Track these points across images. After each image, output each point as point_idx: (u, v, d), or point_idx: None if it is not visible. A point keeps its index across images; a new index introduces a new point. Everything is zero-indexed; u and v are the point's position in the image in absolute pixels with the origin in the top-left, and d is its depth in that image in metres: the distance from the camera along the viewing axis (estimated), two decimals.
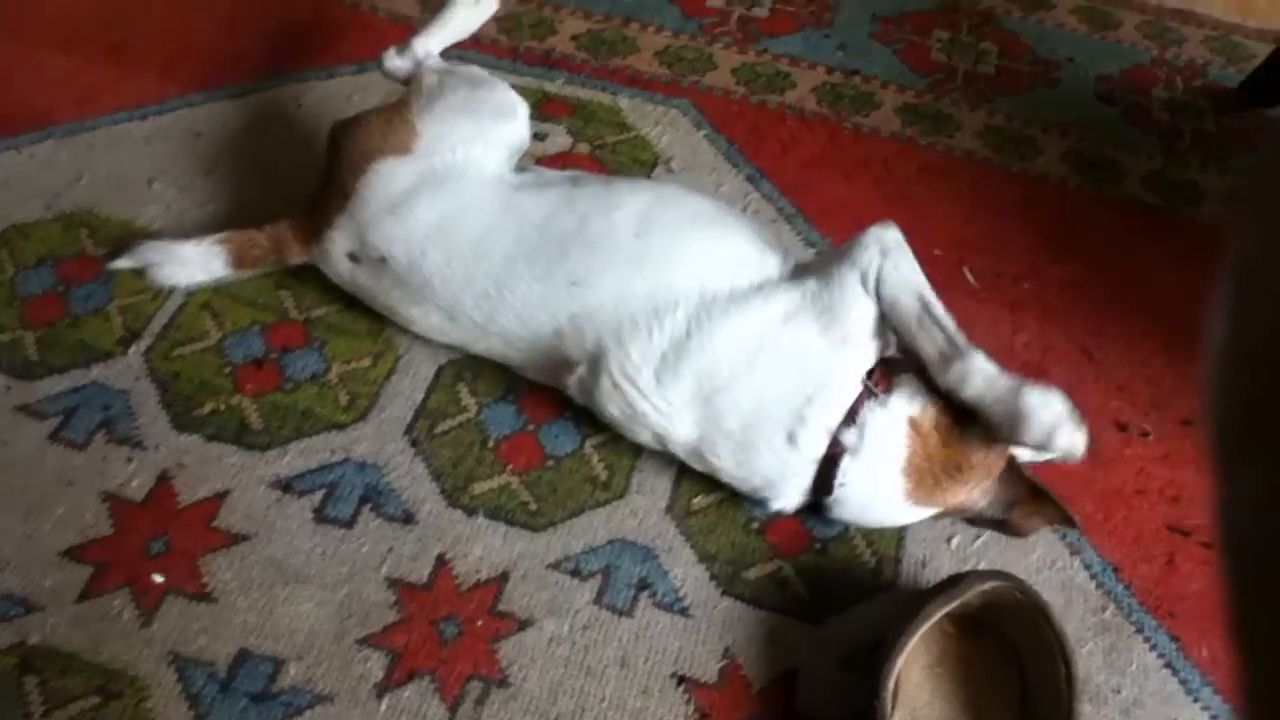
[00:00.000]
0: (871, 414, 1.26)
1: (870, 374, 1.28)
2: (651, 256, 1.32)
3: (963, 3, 2.20)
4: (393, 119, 1.46)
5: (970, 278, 1.68)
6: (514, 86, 1.79)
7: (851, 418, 1.25)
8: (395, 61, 1.61)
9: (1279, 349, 0.34)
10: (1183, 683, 1.28)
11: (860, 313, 1.30)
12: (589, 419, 1.39)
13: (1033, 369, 1.56)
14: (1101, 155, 1.91)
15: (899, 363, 1.33)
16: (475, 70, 1.59)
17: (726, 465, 1.28)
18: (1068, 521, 1.29)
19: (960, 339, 1.26)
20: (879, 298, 1.29)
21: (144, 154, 1.67)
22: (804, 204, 1.75)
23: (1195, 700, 1.27)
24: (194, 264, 1.47)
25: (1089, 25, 2.19)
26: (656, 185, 1.45)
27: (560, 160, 1.76)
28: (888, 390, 1.28)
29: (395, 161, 1.40)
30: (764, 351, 1.27)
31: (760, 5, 2.12)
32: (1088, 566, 1.36)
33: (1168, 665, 1.29)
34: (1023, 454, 1.29)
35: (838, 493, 1.26)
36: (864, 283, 1.30)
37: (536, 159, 1.73)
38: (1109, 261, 1.74)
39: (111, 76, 1.77)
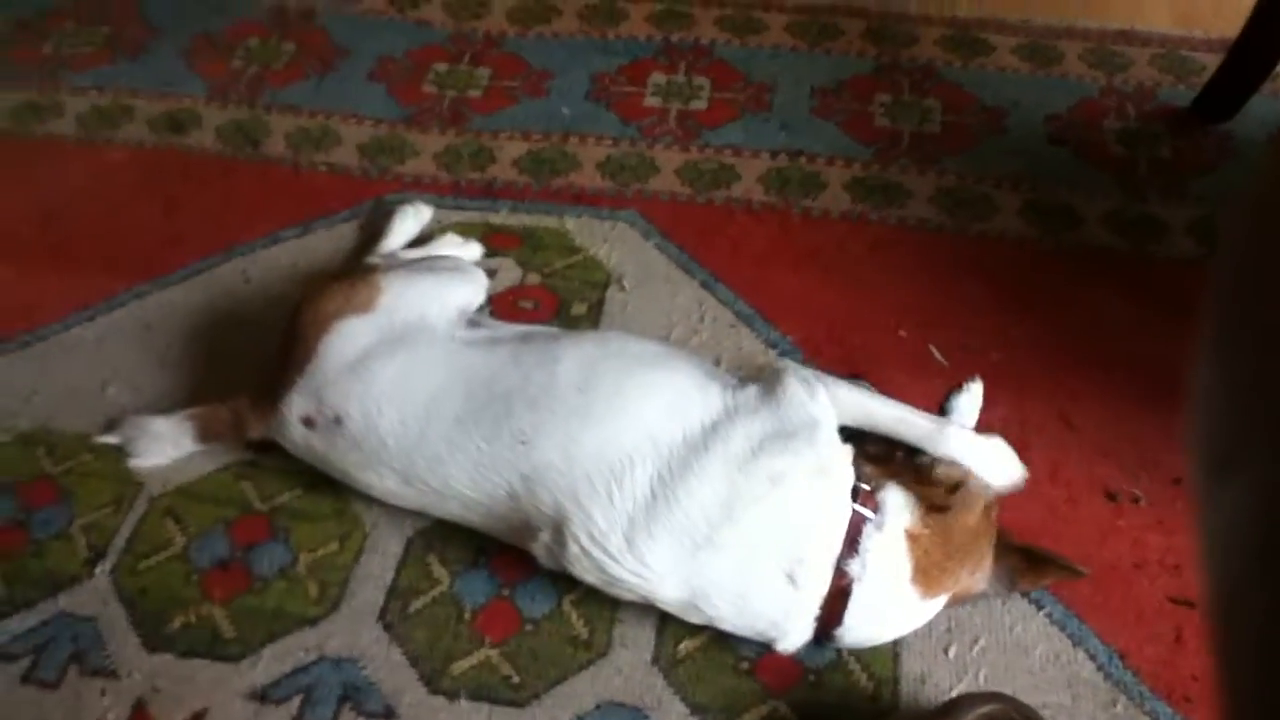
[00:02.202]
0: (871, 539, 1.25)
1: (855, 493, 1.27)
2: (595, 410, 1.30)
3: (901, 61, 2.17)
4: (356, 280, 1.49)
5: (939, 357, 1.65)
6: (458, 223, 1.81)
7: (852, 547, 1.24)
8: (375, 260, 1.68)
9: (1266, 364, 0.34)
10: None
11: (826, 430, 1.30)
12: (565, 573, 1.36)
13: (1013, 445, 1.50)
14: (1057, 202, 1.87)
15: (870, 464, 1.32)
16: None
17: (726, 615, 1.26)
18: (1074, 573, 1.30)
19: (927, 424, 1.35)
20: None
21: (96, 357, 1.66)
22: (760, 303, 1.72)
23: None
24: (166, 438, 1.50)
25: (1031, 63, 2.16)
26: (600, 336, 1.46)
27: (512, 295, 1.74)
28: (877, 509, 1.27)
29: (357, 320, 1.42)
30: (740, 496, 1.24)
31: (698, 98, 2.10)
32: (1092, 656, 1.32)
33: None
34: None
35: (848, 621, 1.24)
36: (815, 398, 1.30)
37: (489, 296, 1.71)
38: (1076, 316, 1.70)
39: (55, 280, 1.77)
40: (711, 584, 1.23)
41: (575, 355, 1.36)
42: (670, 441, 1.27)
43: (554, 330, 1.50)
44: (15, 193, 1.94)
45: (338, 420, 1.35)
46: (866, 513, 1.26)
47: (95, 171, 1.98)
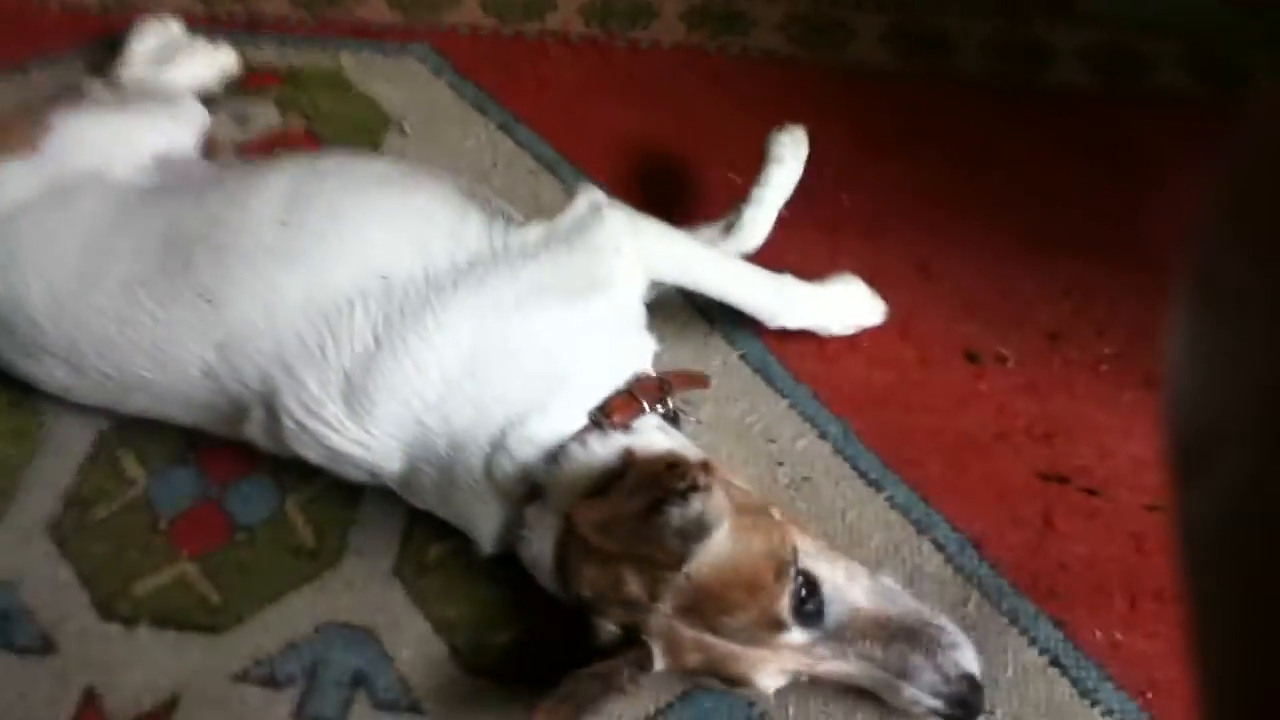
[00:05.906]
0: (568, 455, 0.95)
1: (615, 399, 0.98)
2: (303, 247, 1.02)
3: None
4: (22, 114, 1.21)
5: None
6: None
7: (555, 456, 0.94)
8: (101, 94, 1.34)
9: (1248, 363, 0.32)
10: (1075, 682, 0.99)
11: (625, 292, 1.05)
12: (291, 467, 1.07)
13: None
14: (927, 27, 1.57)
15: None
16: None
17: (432, 501, 1.00)
18: None
19: (766, 285, 1.14)
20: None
21: None
22: (569, 146, 1.43)
23: (1092, 703, 0.98)
24: None
25: None
26: (312, 157, 1.18)
27: (268, 142, 1.44)
28: (625, 424, 0.97)
29: (12, 164, 1.12)
30: (488, 348, 0.97)
31: None
32: (940, 547, 1.07)
33: (1054, 663, 1.00)
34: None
35: (521, 547, 0.96)
36: (620, 249, 1.04)
37: (238, 145, 1.41)
38: (946, 156, 1.42)
39: None
40: (427, 456, 0.97)
41: (278, 184, 1.07)
42: (406, 279, 0.99)
43: (255, 162, 1.19)
44: None
45: None
46: (605, 420, 0.96)
47: None
